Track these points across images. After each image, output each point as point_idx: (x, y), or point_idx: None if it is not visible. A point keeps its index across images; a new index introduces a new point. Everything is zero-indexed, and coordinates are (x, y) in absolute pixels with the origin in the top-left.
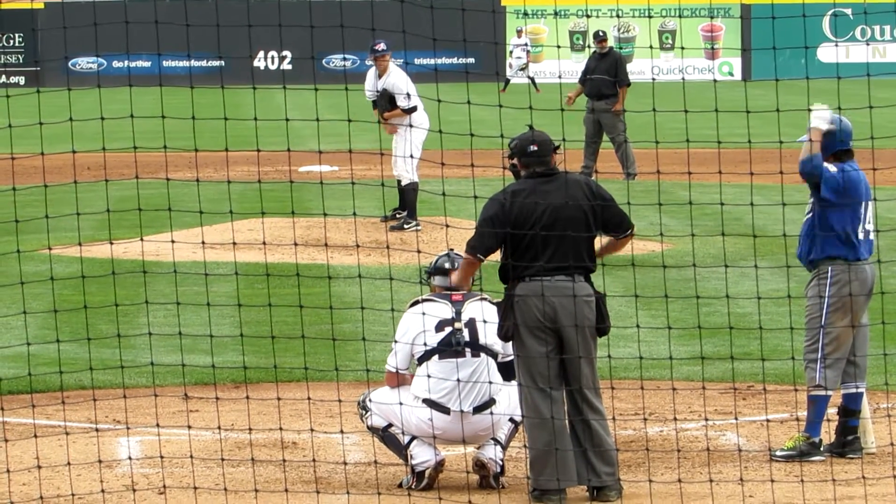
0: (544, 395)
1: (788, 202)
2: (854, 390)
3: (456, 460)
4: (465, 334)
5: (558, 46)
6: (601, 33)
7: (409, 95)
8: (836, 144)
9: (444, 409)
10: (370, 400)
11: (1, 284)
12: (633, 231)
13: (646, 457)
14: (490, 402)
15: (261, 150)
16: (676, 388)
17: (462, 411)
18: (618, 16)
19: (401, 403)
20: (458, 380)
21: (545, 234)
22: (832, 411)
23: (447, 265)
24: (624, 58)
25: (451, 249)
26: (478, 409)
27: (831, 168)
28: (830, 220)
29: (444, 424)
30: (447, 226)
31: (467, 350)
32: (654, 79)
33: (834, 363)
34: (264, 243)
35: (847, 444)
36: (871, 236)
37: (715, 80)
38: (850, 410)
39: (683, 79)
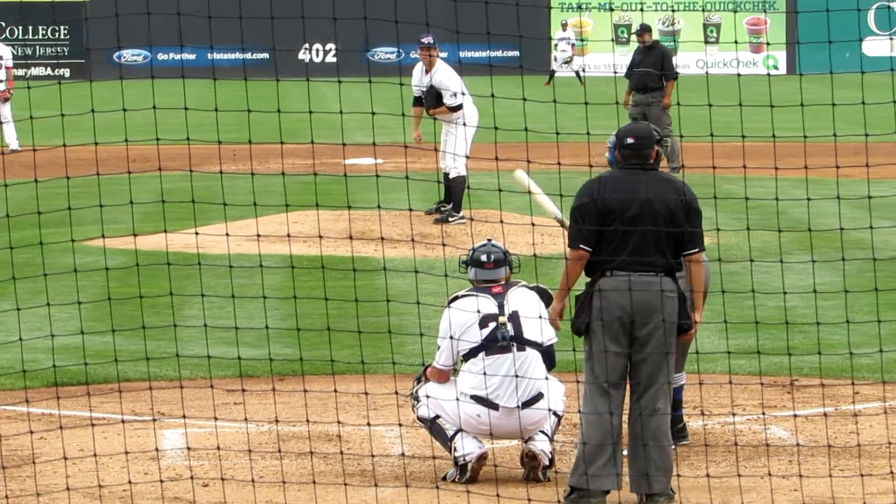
0: (605, 394)
1: (814, 196)
2: (680, 382)
3: (499, 453)
4: (510, 329)
5: (583, 40)
6: (643, 26)
7: (455, 94)
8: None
9: (493, 405)
10: (422, 392)
11: (41, 274)
12: (699, 251)
13: (690, 450)
14: (538, 397)
15: (285, 143)
16: (717, 382)
17: (510, 407)
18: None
19: (429, 398)
20: (510, 375)
21: (629, 227)
22: None
23: (483, 258)
24: (670, 51)
25: (490, 239)
26: (526, 404)
27: None
28: None
29: (493, 420)
30: (471, 219)
31: (513, 345)
32: (676, 75)
33: None
34: (288, 235)
35: (677, 432)
36: None
37: (738, 75)
38: (675, 402)
39: (707, 73)
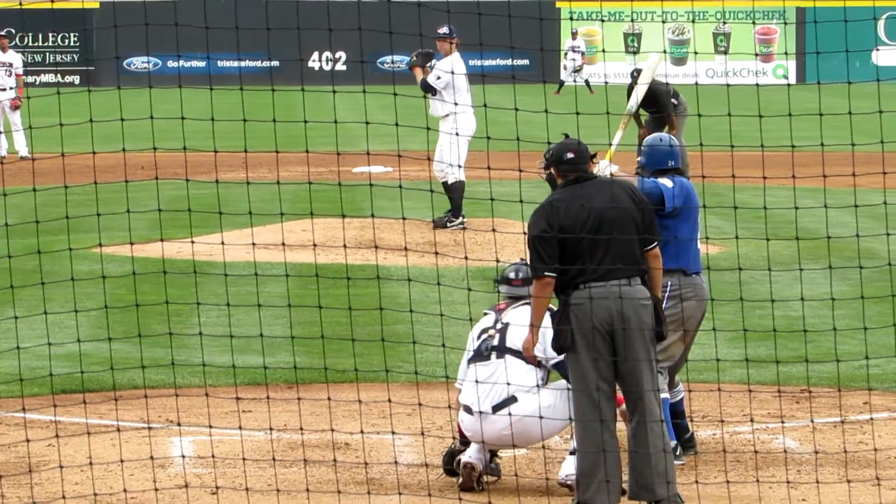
0: (594, 404)
1: (802, 206)
2: (679, 396)
3: (508, 463)
4: (496, 339)
5: (581, 52)
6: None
7: (440, 78)
8: (659, 162)
9: (469, 410)
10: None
11: (51, 281)
12: (655, 245)
13: (696, 459)
14: (510, 400)
15: (280, 151)
16: (726, 391)
17: (481, 411)
18: (664, 20)
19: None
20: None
21: (594, 239)
22: None
23: (511, 275)
24: (661, 89)
25: (522, 259)
26: (497, 408)
27: (666, 182)
28: (672, 231)
29: (470, 425)
30: (464, 228)
31: (493, 353)
32: (670, 84)
33: (664, 370)
34: (283, 244)
35: (685, 442)
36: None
37: (728, 85)
38: (678, 413)
39: (697, 84)
